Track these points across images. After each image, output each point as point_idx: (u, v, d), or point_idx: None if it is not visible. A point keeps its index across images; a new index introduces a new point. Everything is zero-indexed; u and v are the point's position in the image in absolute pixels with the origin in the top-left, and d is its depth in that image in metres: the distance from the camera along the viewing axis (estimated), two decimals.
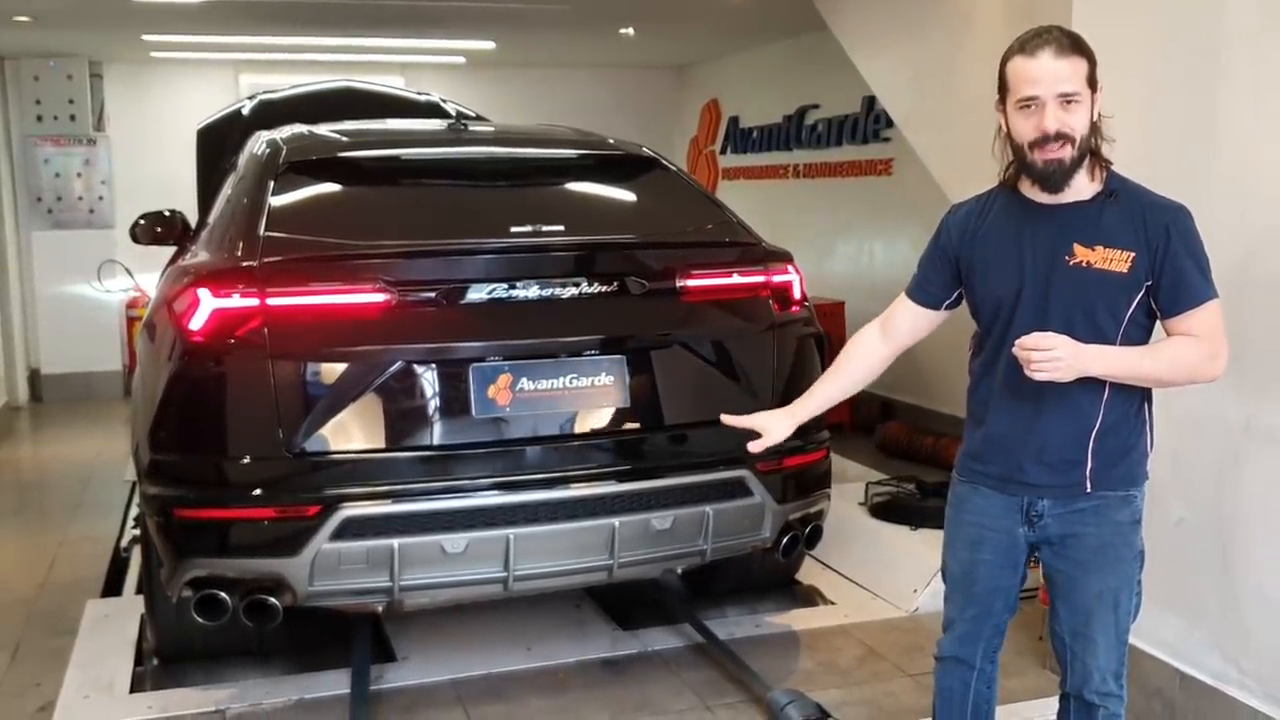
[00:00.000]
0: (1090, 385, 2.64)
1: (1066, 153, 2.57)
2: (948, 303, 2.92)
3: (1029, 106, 2.58)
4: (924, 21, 5.90)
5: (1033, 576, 3.03)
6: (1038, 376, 2.55)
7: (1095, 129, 2.63)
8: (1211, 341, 2.62)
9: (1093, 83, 2.60)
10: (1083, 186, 2.65)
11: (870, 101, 8.29)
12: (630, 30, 8.92)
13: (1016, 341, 2.57)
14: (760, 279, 4.17)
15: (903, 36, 6.16)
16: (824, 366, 4.29)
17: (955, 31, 5.61)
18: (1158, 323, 2.70)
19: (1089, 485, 2.72)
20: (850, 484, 5.81)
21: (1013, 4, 5.26)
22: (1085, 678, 2.81)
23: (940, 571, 3.03)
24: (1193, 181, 3.47)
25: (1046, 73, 2.54)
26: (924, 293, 2.93)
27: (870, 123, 8.50)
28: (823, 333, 4.37)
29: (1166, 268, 2.60)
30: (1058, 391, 2.64)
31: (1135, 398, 2.73)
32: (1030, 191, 2.70)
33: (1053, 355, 2.52)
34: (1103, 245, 2.62)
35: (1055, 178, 2.61)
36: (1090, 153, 2.63)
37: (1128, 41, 3.74)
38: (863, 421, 8.07)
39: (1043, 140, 2.57)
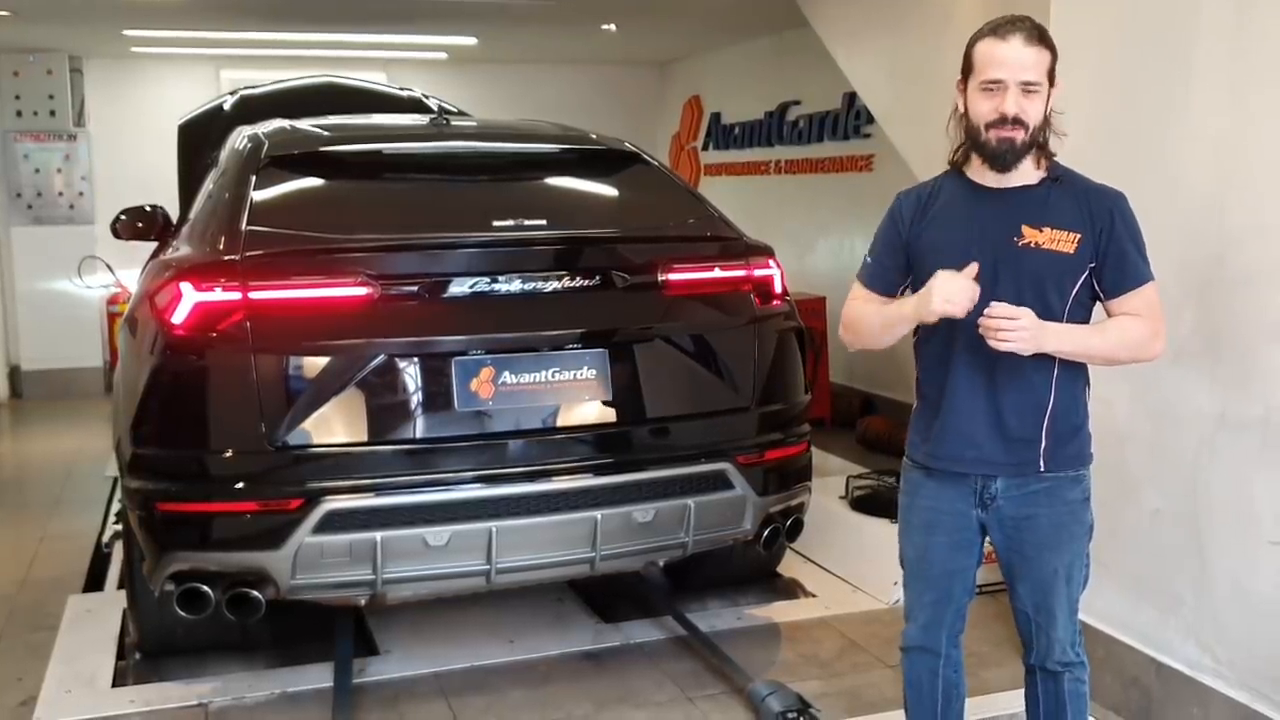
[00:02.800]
0: (1042, 364, 2.73)
1: (1019, 136, 2.67)
2: (902, 288, 2.95)
3: (992, 88, 2.66)
4: (904, 17, 5.93)
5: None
6: (1002, 347, 2.63)
7: (1048, 122, 2.72)
8: (1153, 321, 2.74)
9: (1052, 76, 2.69)
10: (1029, 172, 2.75)
11: (851, 98, 8.32)
12: (612, 26, 8.93)
13: (986, 310, 2.63)
14: (741, 273, 4.20)
15: (883, 32, 6.19)
16: (805, 360, 4.35)
17: (935, 27, 5.64)
18: (1096, 305, 2.81)
19: (1043, 464, 2.79)
20: (831, 478, 5.84)
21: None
22: (1048, 649, 2.90)
23: (899, 560, 3.07)
24: (1168, 175, 3.52)
25: (1013, 58, 2.63)
26: (882, 281, 2.94)
27: (851, 119, 8.53)
28: (804, 326, 4.40)
29: (1111, 249, 2.71)
30: (1013, 370, 2.73)
31: (1080, 380, 2.83)
32: (977, 174, 2.78)
33: (1019, 325, 2.60)
34: (1050, 227, 2.72)
35: (1006, 158, 2.70)
36: (1038, 145, 2.72)
37: (1104, 37, 3.78)
38: (843, 416, 8.10)
39: (999, 121, 2.66)
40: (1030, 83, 2.64)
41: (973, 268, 2.67)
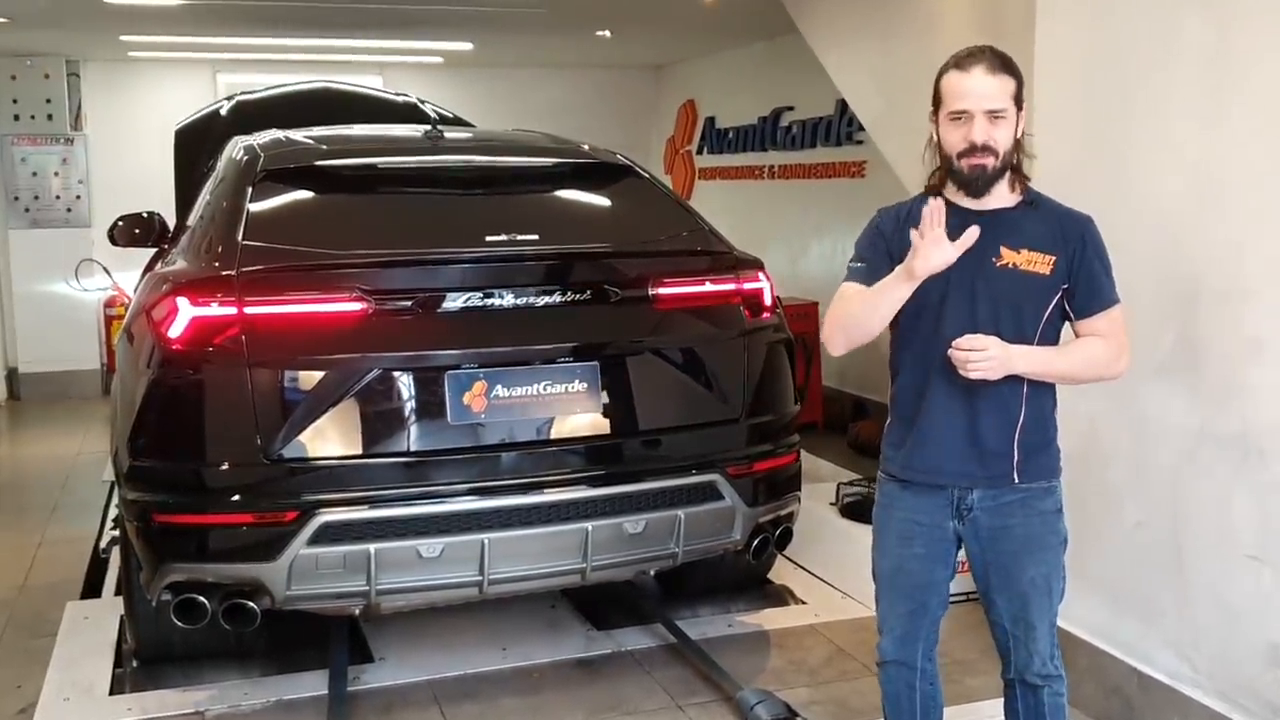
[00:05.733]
0: (1014, 382, 2.81)
1: (990, 162, 2.75)
2: None
3: (959, 119, 2.74)
4: (892, 28, 5.97)
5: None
6: (974, 375, 2.72)
7: (1019, 145, 2.80)
8: (1117, 342, 2.85)
9: (1019, 101, 2.77)
10: (1004, 195, 2.83)
11: (843, 104, 8.35)
12: (607, 32, 8.97)
13: (954, 343, 2.73)
14: (731, 286, 4.25)
15: (872, 42, 6.23)
16: (794, 371, 4.40)
17: (923, 38, 5.68)
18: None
19: (1016, 476, 2.87)
20: (823, 484, 5.87)
21: (980, 12, 5.35)
22: (1027, 661, 2.96)
23: (872, 573, 3.11)
24: (1150, 194, 3.57)
25: (977, 88, 2.72)
26: (877, 278, 2.86)
27: (843, 125, 8.57)
28: (792, 338, 4.45)
29: (1082, 272, 2.81)
30: (988, 387, 2.80)
31: (1049, 396, 2.92)
32: (955, 197, 2.85)
33: (987, 355, 2.71)
34: (1028, 249, 2.80)
35: (978, 184, 2.78)
36: (1011, 168, 2.80)
37: (1087, 57, 3.82)
38: (835, 420, 8.15)
39: (969, 150, 2.74)
40: (995, 110, 2.72)
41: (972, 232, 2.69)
